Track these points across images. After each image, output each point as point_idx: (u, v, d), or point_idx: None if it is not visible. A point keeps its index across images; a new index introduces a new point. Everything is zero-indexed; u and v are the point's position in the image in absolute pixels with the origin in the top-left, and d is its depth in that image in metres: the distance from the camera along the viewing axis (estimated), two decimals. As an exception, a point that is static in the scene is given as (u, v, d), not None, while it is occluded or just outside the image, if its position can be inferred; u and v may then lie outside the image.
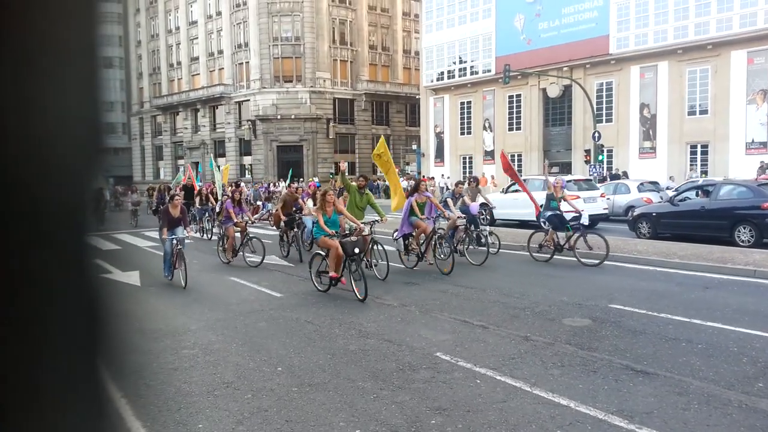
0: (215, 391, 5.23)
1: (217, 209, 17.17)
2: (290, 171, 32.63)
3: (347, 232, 9.58)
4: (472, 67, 38.31)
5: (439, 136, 41.36)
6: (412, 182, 17.65)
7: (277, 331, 7.26)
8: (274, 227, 15.31)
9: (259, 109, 48.88)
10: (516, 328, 7.04)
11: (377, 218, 10.90)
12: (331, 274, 9.17)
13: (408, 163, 50.14)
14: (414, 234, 11.53)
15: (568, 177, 20.88)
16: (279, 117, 48.29)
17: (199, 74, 55.56)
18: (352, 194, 11.52)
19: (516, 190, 19.57)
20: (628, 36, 30.62)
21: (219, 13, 52.56)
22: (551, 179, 13.16)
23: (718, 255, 9.59)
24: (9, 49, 0.53)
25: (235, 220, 13.15)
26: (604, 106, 32.15)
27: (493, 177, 34.86)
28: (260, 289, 9.97)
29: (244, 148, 51.33)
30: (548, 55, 33.46)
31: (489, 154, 37.99)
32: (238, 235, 13.26)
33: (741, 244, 12.88)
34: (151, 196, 29.62)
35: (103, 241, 19.52)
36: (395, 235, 11.74)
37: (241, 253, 12.85)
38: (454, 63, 39.33)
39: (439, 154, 41.48)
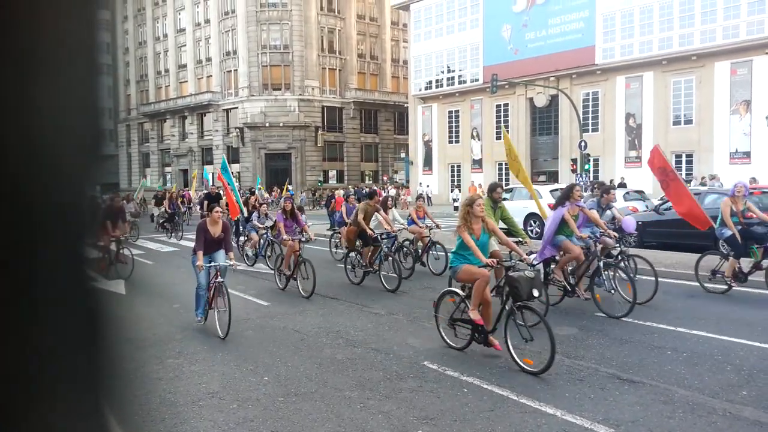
0: (200, 402, 5.18)
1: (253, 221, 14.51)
2: (287, 180, 32.80)
3: (510, 261, 6.48)
4: (460, 76, 38.54)
5: (428, 145, 41.50)
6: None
7: (264, 340, 7.21)
8: (344, 245, 12.41)
9: (248, 116, 48.79)
10: (503, 338, 7.04)
11: (519, 239, 8.56)
12: (475, 317, 6.30)
13: (396, 172, 50.24)
14: (558, 259, 8.51)
15: (554, 186, 21.04)
16: (267, 125, 48.23)
17: (186, 81, 55.40)
18: (486, 207, 9.75)
19: (504, 199, 19.67)
20: (613, 47, 30.99)
21: (207, 21, 52.52)
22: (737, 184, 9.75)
23: (703, 264, 9.69)
24: (9, 54, 0.53)
25: (284, 237, 10.36)
26: (590, 115, 32.46)
27: (480, 185, 34.99)
28: (247, 297, 9.91)
29: (232, 155, 51.13)
30: (535, 65, 33.76)
31: (477, 163, 38.17)
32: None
33: (726, 252, 12.99)
34: (159, 205, 24.66)
35: (89, 249, 19.29)
36: (533, 258, 8.03)
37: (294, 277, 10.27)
38: (443, 72, 39.54)
39: (428, 163, 41.60)
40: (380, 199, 11.27)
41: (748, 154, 27.13)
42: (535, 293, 5.96)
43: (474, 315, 6.29)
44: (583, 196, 10.25)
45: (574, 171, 28.97)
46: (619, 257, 8.72)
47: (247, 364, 6.22)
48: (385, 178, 49.49)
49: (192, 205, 26.95)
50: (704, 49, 27.74)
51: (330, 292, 10.19)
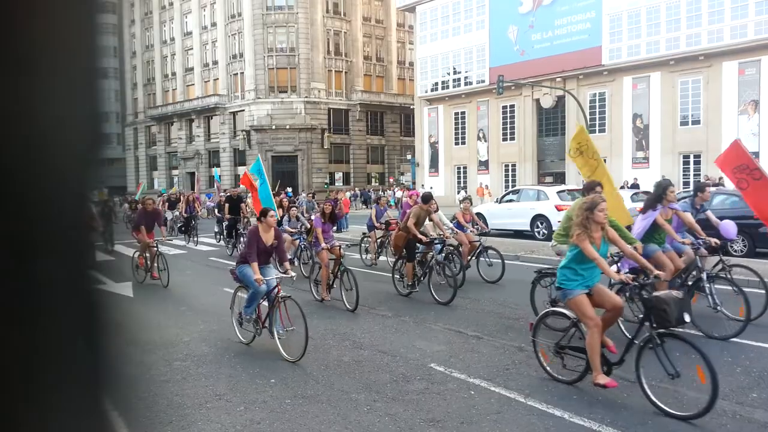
0: (207, 404, 5.19)
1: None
2: (278, 182, 32.56)
3: (647, 278, 5.35)
4: (466, 77, 38.51)
5: (434, 146, 41.48)
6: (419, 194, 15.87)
7: (271, 343, 7.21)
8: (392, 252, 11.18)
9: (254, 119, 48.93)
10: (510, 339, 7.02)
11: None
12: (598, 378, 5.06)
13: (403, 173, 50.22)
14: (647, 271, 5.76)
15: (562, 187, 20.97)
16: (274, 127, 48.35)
17: (193, 84, 55.64)
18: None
19: (510, 200, 19.67)
20: (620, 47, 30.88)
21: (214, 24, 52.73)
22: None
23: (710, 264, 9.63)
24: (9, 58, 0.53)
25: (323, 246, 9.46)
26: (597, 116, 32.34)
27: (487, 186, 34.98)
28: (254, 299, 9.91)
29: (239, 158, 51.31)
30: (541, 66, 33.68)
31: (483, 164, 38.11)
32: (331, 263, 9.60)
33: (734, 254, 12.92)
34: (172, 208, 22.78)
35: (94, 252, 19.42)
36: (618, 268, 6.86)
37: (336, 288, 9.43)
38: (449, 74, 39.53)
39: (434, 164, 41.57)
40: (435, 203, 10.11)
41: (757, 155, 26.90)
42: (686, 318, 4.93)
43: (602, 380, 4.99)
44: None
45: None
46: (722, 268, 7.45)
47: (254, 367, 6.23)
48: (391, 180, 49.50)
49: (200, 208, 25.78)
50: (712, 49, 27.59)
51: (335, 294, 10.19)
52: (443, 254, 10.25)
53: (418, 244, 9.83)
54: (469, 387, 5.44)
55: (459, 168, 40.19)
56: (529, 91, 34.87)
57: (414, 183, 42.86)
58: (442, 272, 9.66)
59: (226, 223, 16.89)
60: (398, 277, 10.13)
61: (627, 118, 31.32)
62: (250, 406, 5.10)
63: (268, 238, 7.02)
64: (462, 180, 39.79)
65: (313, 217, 11.27)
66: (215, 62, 52.91)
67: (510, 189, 27.42)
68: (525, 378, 5.65)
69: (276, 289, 6.70)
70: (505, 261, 11.24)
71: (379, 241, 13.89)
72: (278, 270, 7.15)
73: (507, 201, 19.76)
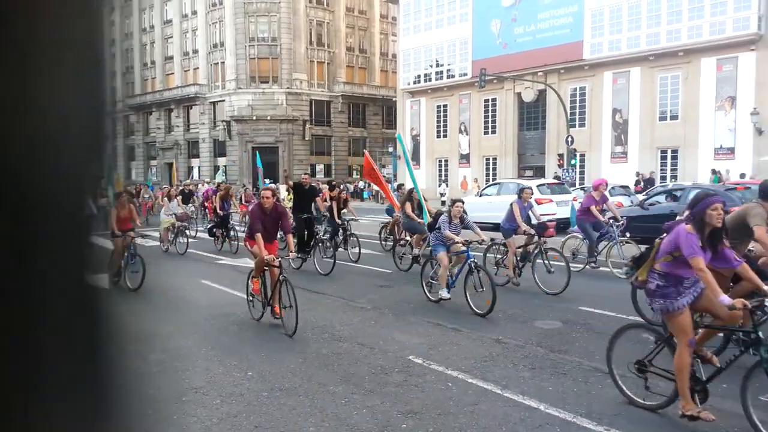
0: (183, 397, 5.15)
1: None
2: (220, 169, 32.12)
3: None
4: (448, 70, 38.51)
5: (416, 139, 41.48)
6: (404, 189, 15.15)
7: (248, 335, 7.17)
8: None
9: (235, 109, 48.47)
10: (488, 331, 7.07)
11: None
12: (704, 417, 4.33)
13: (384, 166, 50.18)
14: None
15: (542, 180, 21.13)
16: (254, 118, 47.95)
17: (173, 74, 54.90)
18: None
19: (490, 194, 19.77)
20: (601, 42, 31.09)
21: (195, 13, 52.02)
22: None
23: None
24: (10, 51, 0.53)
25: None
26: (577, 111, 32.58)
27: (476, 180, 35.02)
28: (232, 292, 9.84)
29: (219, 149, 50.83)
30: (524, 60, 33.79)
31: (465, 158, 38.21)
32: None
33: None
34: (186, 202, 17.40)
35: (93, 249, 19.08)
36: None
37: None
38: (431, 66, 39.49)
39: (415, 157, 41.52)
40: (529, 195, 9.96)
41: (732, 150, 27.39)
42: None
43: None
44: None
45: (560, 166, 29.15)
46: None
47: (231, 360, 6.19)
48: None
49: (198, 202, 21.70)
50: (691, 45, 27.91)
51: (314, 286, 10.17)
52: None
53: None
54: (447, 379, 5.47)
55: (440, 161, 40.27)
56: (510, 84, 34.99)
57: (395, 176, 42.87)
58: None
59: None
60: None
61: (607, 112, 31.61)
62: (226, 399, 5.07)
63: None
64: (443, 173, 39.89)
65: None
66: (195, 51, 52.24)
67: (490, 182, 27.55)
68: (502, 370, 5.69)
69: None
70: (551, 262, 9.31)
71: (519, 251, 10.00)
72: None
73: (487, 194, 19.85)
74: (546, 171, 33.02)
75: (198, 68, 51.97)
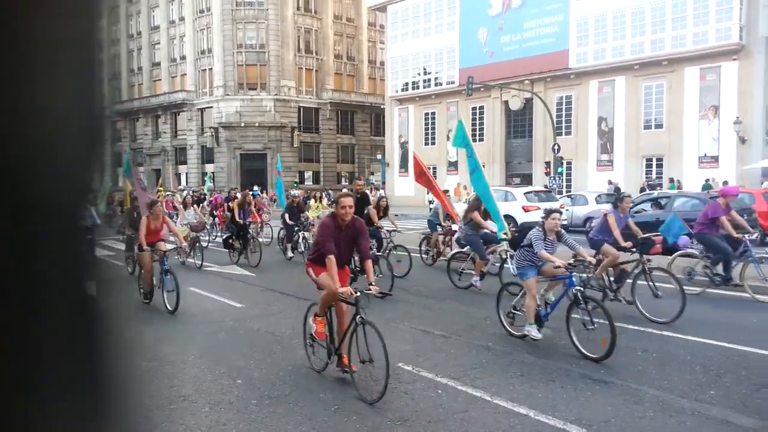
0: (171, 405, 5.10)
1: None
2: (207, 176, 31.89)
3: None
4: (436, 78, 38.72)
5: (404, 146, 41.59)
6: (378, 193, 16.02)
7: (237, 343, 7.13)
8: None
9: (223, 116, 48.32)
10: (477, 338, 7.08)
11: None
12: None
13: (372, 173, 50.24)
14: None
15: (529, 188, 21.26)
16: (243, 125, 47.83)
17: (160, 80, 54.67)
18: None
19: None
20: (587, 51, 31.44)
21: (182, 19, 51.89)
22: None
23: (672, 265, 9.87)
24: (9, 51, 0.53)
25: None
26: (563, 119, 32.88)
27: (466, 187, 35.09)
28: (221, 299, 9.79)
29: (207, 155, 50.62)
30: (510, 68, 34.07)
31: (453, 165, 38.36)
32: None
33: (695, 256, 13.26)
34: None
35: (89, 253, 18.85)
36: None
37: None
38: (419, 74, 39.68)
39: (404, 164, 41.66)
40: (628, 205, 8.77)
41: (716, 158, 27.76)
42: None
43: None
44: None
45: (547, 174, 29.37)
46: None
47: (220, 367, 6.14)
48: (361, 180, 49.41)
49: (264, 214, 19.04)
50: (675, 55, 28.31)
51: (298, 292, 10.13)
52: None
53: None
54: (437, 386, 5.47)
55: (429, 168, 40.33)
56: (497, 93, 35.24)
57: (384, 183, 42.92)
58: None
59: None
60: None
61: (592, 121, 31.92)
62: (215, 407, 5.03)
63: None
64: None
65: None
66: (183, 57, 52.07)
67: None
68: (491, 377, 5.70)
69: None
70: (656, 283, 8.07)
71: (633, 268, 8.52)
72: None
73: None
74: (533, 178, 33.24)
75: (185, 74, 51.80)
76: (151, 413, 4.92)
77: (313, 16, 50.75)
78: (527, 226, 7.31)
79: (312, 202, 19.42)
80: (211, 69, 49.38)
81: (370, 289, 5.28)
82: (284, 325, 7.92)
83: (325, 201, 21.30)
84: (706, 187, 23.56)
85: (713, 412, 4.73)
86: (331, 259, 5.29)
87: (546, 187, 25.61)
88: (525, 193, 18.51)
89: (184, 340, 7.31)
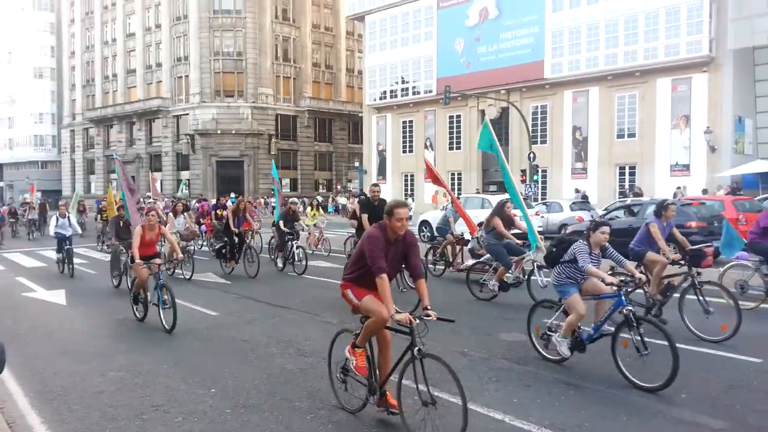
0: (143, 415, 5.01)
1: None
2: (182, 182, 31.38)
3: None
4: (414, 87, 38.95)
5: (382, 154, 41.71)
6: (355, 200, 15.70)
7: (212, 351, 7.04)
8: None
9: (199, 123, 47.94)
10: (454, 344, 7.09)
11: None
12: None
13: (350, 180, 50.23)
14: None
15: (506, 195, 21.40)
16: (219, 132, 47.50)
17: (135, 87, 54.08)
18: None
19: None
20: (561, 62, 31.94)
21: (158, 26, 51.46)
22: None
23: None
24: None
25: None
26: (539, 128, 33.31)
27: (445, 194, 35.19)
28: (194, 307, 9.66)
29: (182, 162, 50.12)
30: (487, 78, 34.45)
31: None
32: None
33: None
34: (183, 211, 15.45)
35: (27, 258, 18.51)
36: None
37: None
38: (397, 83, 39.89)
39: (382, 172, 41.77)
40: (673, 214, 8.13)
41: (687, 167, 28.35)
42: None
43: None
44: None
45: (523, 181, 29.69)
46: None
47: (194, 376, 6.06)
48: (339, 187, 49.40)
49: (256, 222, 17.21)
50: (647, 66, 28.91)
51: (277, 300, 10.07)
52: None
53: None
54: (413, 393, 5.45)
55: (406, 176, 40.52)
56: (474, 102, 35.57)
57: (361, 191, 42.91)
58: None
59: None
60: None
61: (567, 130, 32.39)
62: (188, 417, 4.95)
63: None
64: (409, 188, 40.14)
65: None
66: (159, 64, 51.59)
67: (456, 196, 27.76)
68: (467, 382, 5.69)
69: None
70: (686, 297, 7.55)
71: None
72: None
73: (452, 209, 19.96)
74: (509, 187, 33.51)
75: (161, 81, 51.32)
76: (121, 424, 4.82)
77: (291, 25, 50.75)
78: (565, 240, 6.46)
79: (308, 209, 18.61)
80: (187, 76, 49.00)
81: (428, 314, 4.39)
82: (259, 333, 7.85)
83: (350, 207, 20.01)
84: (676, 195, 24.03)
85: (685, 415, 4.80)
86: (384, 279, 4.50)
87: (521, 194, 25.83)
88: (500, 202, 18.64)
89: (156, 350, 7.19)
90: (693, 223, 13.39)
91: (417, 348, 4.39)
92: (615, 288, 5.73)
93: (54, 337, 7.97)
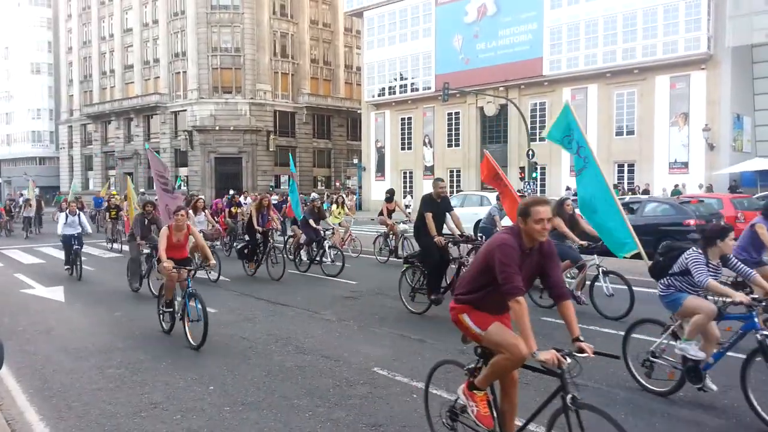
0: (142, 412, 5.00)
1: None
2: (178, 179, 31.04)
3: None
4: (412, 84, 38.90)
5: (380, 151, 41.67)
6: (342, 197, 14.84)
7: (210, 349, 7.03)
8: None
9: (197, 119, 47.81)
10: (453, 342, 7.08)
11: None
12: None
13: (349, 177, 50.19)
14: None
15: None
16: (217, 128, 47.38)
17: (133, 83, 53.89)
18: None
19: (453, 205, 19.89)
20: (560, 59, 31.91)
21: (156, 21, 51.27)
22: None
23: (642, 269, 10.02)
24: None
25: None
26: (537, 125, 33.27)
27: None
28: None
29: (180, 159, 50.00)
30: (485, 75, 34.41)
31: (429, 170, 38.53)
32: None
33: None
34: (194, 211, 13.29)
35: (25, 254, 18.46)
36: None
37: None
38: (395, 79, 39.83)
39: (380, 169, 41.74)
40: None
41: (686, 164, 28.38)
42: None
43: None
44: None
45: (522, 179, 29.72)
46: None
47: (192, 374, 6.05)
48: (337, 184, 49.36)
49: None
50: (645, 63, 28.90)
51: (278, 298, 10.06)
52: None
53: None
54: (412, 390, 5.46)
55: (405, 173, 40.50)
56: (473, 99, 35.54)
57: (360, 187, 42.93)
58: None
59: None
60: None
61: (566, 127, 32.33)
62: (187, 414, 4.95)
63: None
64: (408, 185, 40.12)
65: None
66: (156, 60, 51.42)
67: (454, 194, 27.77)
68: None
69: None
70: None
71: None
72: None
73: (499, 206, 19.93)
74: (508, 184, 33.50)
75: (159, 77, 51.16)
76: (120, 421, 4.82)
77: (290, 21, 50.60)
78: (675, 247, 5.35)
79: (333, 207, 16.98)
80: (185, 72, 48.85)
81: (581, 349, 3.40)
82: (259, 331, 7.85)
83: (348, 204, 17.83)
84: (676, 192, 24.06)
85: (682, 413, 4.80)
86: (522, 304, 3.44)
87: (520, 192, 25.82)
88: (498, 197, 18.60)
89: (156, 347, 7.19)
90: (691, 221, 13.42)
91: (571, 396, 3.30)
92: (746, 308, 4.73)
93: (53, 334, 7.96)
